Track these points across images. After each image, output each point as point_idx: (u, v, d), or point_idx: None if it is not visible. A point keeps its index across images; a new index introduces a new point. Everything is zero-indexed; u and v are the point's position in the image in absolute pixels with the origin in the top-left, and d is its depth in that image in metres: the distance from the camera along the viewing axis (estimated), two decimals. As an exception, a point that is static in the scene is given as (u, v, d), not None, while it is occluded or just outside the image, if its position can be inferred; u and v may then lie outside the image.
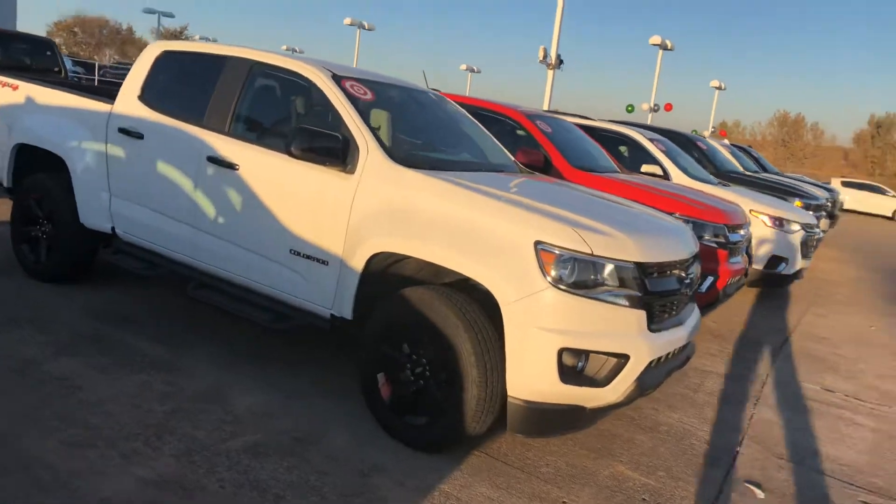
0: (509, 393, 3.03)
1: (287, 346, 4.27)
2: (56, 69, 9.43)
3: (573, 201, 3.65)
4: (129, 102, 4.44)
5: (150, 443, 3.03)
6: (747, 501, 3.27)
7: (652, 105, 32.74)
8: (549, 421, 3.09)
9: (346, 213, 3.46)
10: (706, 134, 32.44)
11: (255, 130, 4.08)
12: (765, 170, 15.03)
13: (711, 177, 8.98)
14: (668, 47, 30.39)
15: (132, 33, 71.57)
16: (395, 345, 3.34)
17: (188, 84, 4.40)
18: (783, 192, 10.25)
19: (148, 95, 4.42)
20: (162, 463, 2.89)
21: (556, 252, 2.95)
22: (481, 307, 3.11)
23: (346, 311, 3.49)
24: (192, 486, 2.75)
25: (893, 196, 33.98)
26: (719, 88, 39.61)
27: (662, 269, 3.25)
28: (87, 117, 4.60)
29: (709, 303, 5.63)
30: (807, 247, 8.03)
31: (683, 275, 3.43)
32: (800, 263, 7.89)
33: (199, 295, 4.05)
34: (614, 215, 3.48)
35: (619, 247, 3.05)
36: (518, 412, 3.03)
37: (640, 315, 3.09)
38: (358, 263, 3.39)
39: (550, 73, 19.63)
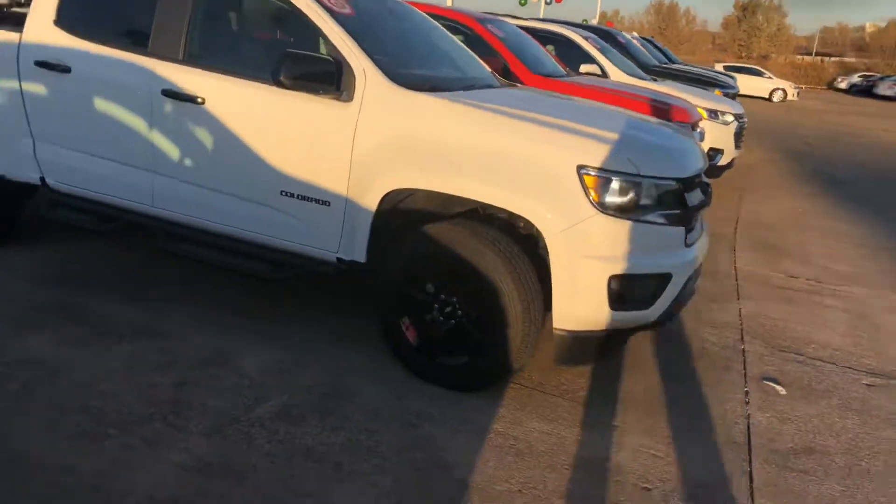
0: (555, 325, 2.90)
1: (277, 297, 3.91)
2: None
3: (592, 116, 3.43)
4: (42, 29, 3.72)
5: (170, 422, 2.71)
6: (771, 399, 3.38)
7: (545, -3, 32.25)
8: (593, 348, 3.00)
9: (347, 148, 3.09)
10: (594, 24, 32.53)
11: (219, 57, 3.54)
12: (671, 61, 15.29)
13: (641, 72, 8.96)
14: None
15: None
16: (418, 286, 3.11)
17: (118, 3, 3.73)
18: (703, 83, 10.44)
19: (66, 19, 3.72)
20: (193, 444, 2.59)
21: (601, 175, 2.77)
22: (520, 244, 2.92)
23: (359, 254, 3.19)
24: (240, 467, 2.49)
25: (769, 77, 35.82)
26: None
27: (693, 181, 3.14)
28: (-9, 49, 3.84)
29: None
30: (739, 137, 8.26)
31: (705, 184, 3.35)
32: (733, 153, 8.13)
33: (175, 248, 3.60)
34: (640, 130, 3.31)
35: (661, 164, 2.91)
36: (565, 343, 2.91)
37: (680, 232, 3.00)
38: (370, 202, 3.07)
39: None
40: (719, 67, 33.83)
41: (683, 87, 8.41)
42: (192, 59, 3.44)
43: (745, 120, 8.67)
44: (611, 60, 8.22)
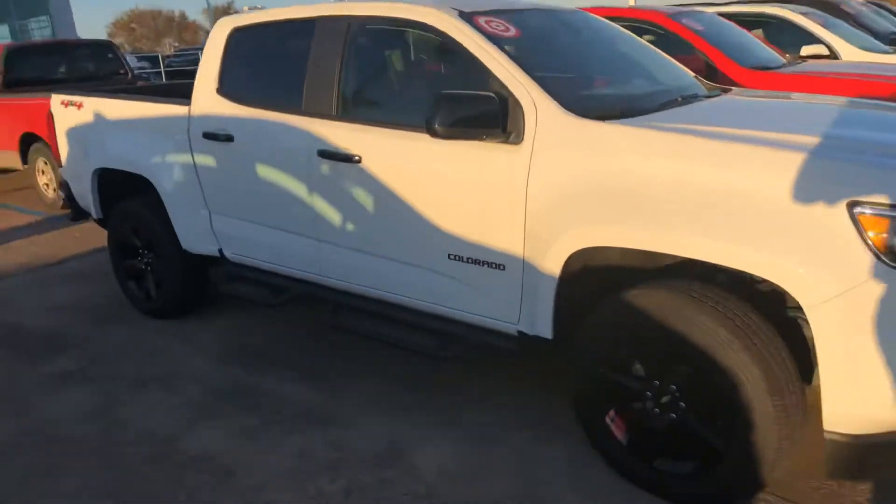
0: (826, 427, 2.06)
1: (462, 375, 3.39)
2: (122, 72, 8.82)
3: (845, 124, 2.54)
4: (207, 99, 3.61)
5: (333, 549, 2.29)
6: None
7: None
8: (888, 457, 2.10)
9: (520, 200, 2.51)
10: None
11: (373, 107, 3.17)
12: (911, 23, 12.82)
13: (882, 44, 7.39)
14: None
15: (185, 18, 72.29)
16: (622, 367, 2.43)
17: (273, 64, 3.51)
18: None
19: (228, 87, 3.57)
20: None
21: (885, 213, 1.91)
22: (759, 311, 2.13)
23: (543, 328, 2.59)
24: None
25: None
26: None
27: None
28: (165, 125, 3.82)
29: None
30: None
31: None
32: None
33: (344, 324, 3.25)
34: None
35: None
36: (842, 452, 2.06)
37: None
38: (552, 264, 2.46)
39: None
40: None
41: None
42: (347, 113, 3.08)
43: None
44: (840, 36, 6.82)
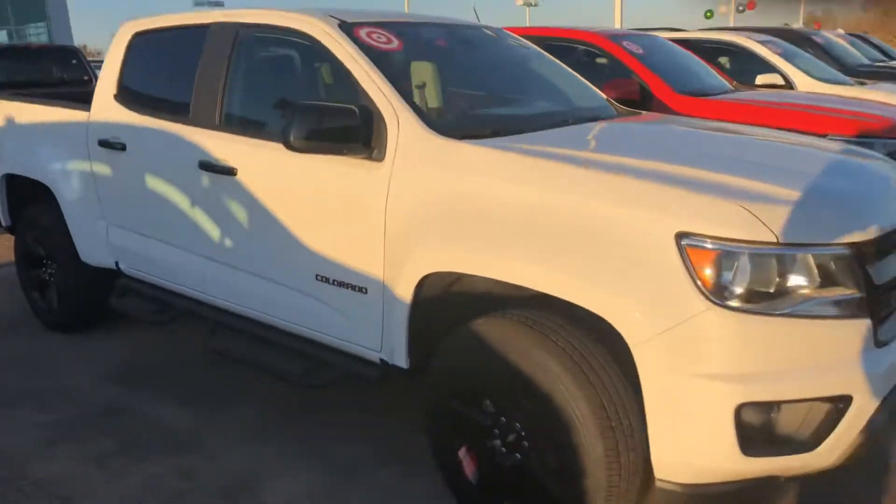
0: (657, 475, 1.93)
1: (344, 404, 3.21)
2: (85, 77, 8.76)
3: (720, 150, 2.43)
4: (105, 106, 3.51)
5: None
6: None
7: (736, 5, 29.68)
8: (726, 506, 1.97)
9: (380, 219, 2.39)
10: (797, 27, 29.05)
11: (252, 118, 3.06)
12: (890, 58, 12.81)
13: (843, 76, 7.33)
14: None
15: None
16: (472, 402, 2.29)
17: (168, 71, 3.41)
18: (933, 80, 8.37)
19: (124, 94, 3.47)
20: None
21: (716, 247, 1.79)
22: (603, 346, 2.00)
23: (399, 357, 2.46)
24: None
25: None
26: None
27: (888, 242, 2.01)
28: (65, 131, 3.72)
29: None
30: None
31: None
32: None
33: (218, 346, 3.12)
34: (794, 165, 2.24)
35: (819, 222, 1.85)
36: (672, 502, 1.92)
37: (863, 327, 1.88)
38: (405, 289, 2.33)
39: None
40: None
41: (902, 89, 6.66)
42: (229, 123, 2.97)
43: None
44: (798, 66, 6.75)
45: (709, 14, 30.74)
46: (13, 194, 4.28)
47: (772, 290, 1.79)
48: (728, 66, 7.65)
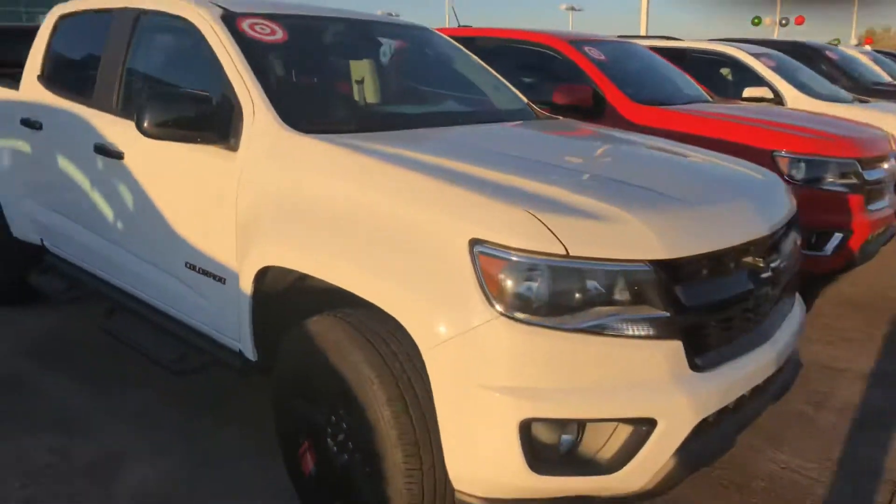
0: (455, 487, 1.86)
1: (239, 391, 3.16)
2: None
3: (579, 159, 2.34)
4: (29, 85, 3.56)
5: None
6: None
7: (779, 19, 28.99)
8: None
9: (232, 209, 2.36)
10: (852, 44, 28.13)
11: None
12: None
13: (844, 93, 7.05)
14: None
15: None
16: (311, 400, 2.24)
17: (82, 54, 3.45)
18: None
19: (46, 74, 3.52)
20: None
21: (508, 256, 1.71)
22: (412, 351, 1.93)
23: (248, 349, 2.43)
24: None
25: None
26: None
27: (717, 263, 1.90)
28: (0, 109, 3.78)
29: (837, 269, 4.07)
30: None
31: (761, 264, 2.04)
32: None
33: (111, 328, 3.12)
34: (641, 179, 2.11)
35: (620, 237, 1.75)
36: (474, 518, 1.84)
37: (672, 349, 1.78)
38: (246, 283, 2.30)
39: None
40: None
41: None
42: (124, 107, 2.98)
43: None
44: (791, 81, 6.53)
45: (756, 21, 30.13)
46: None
47: (563, 305, 1.70)
48: (731, 77, 7.46)
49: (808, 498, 2.51)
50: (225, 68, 2.50)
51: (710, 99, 5.43)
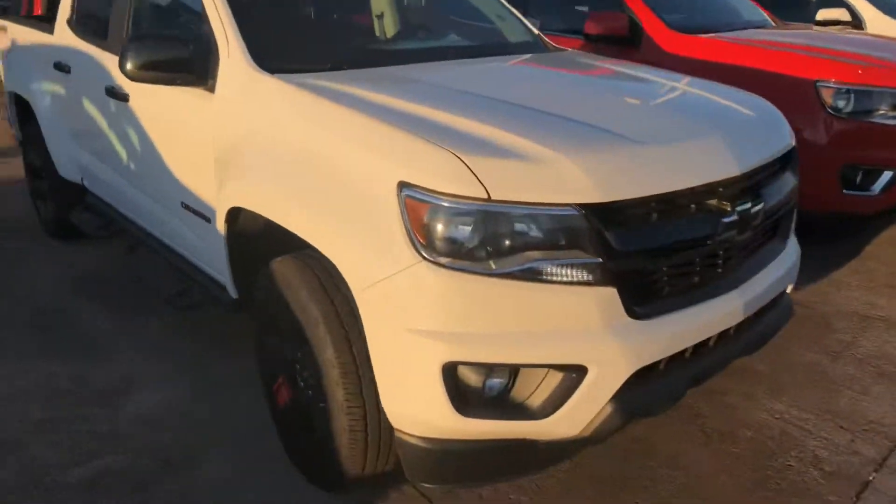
0: (394, 425, 1.90)
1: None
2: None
3: (536, 98, 2.22)
4: (61, 30, 3.71)
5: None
6: None
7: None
8: (473, 465, 1.90)
9: (210, 149, 2.42)
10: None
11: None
12: None
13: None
14: None
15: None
16: (280, 338, 2.32)
17: None
18: None
19: (76, 19, 3.65)
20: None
21: (431, 200, 1.68)
22: (348, 293, 1.95)
23: (230, 286, 2.53)
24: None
25: None
26: None
27: (666, 206, 1.80)
28: (38, 52, 3.97)
29: (887, 209, 3.77)
30: None
31: (728, 208, 1.91)
32: None
33: (127, 262, 3.32)
34: (593, 117, 1.98)
35: (546, 179, 1.68)
36: (413, 454, 1.88)
37: (605, 296, 1.73)
38: (221, 222, 2.38)
39: None
40: None
41: None
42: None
43: None
44: (874, 1, 5.92)
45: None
46: (21, 110, 4.66)
47: (488, 249, 1.67)
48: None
49: (793, 450, 2.42)
50: (206, 8, 2.52)
51: (772, 24, 5.01)
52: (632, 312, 1.76)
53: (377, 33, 2.99)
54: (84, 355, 3.10)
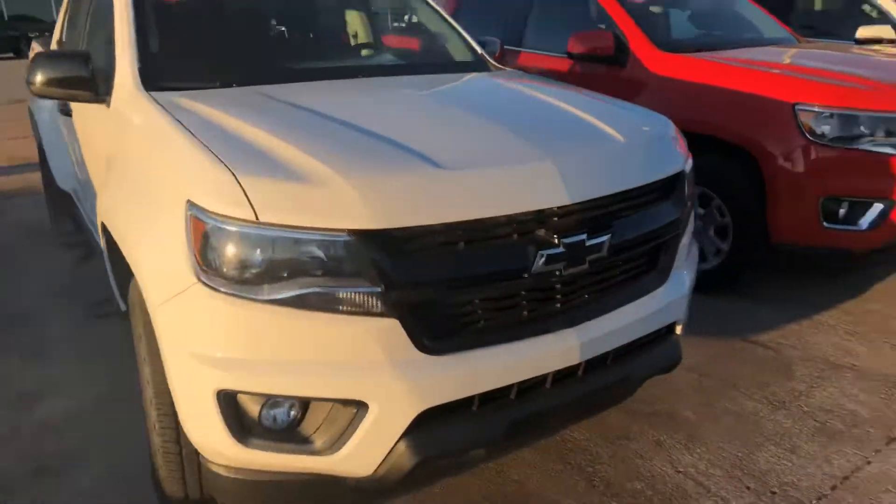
0: (198, 450, 1.85)
1: None
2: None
3: (382, 118, 2.12)
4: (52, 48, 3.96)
5: None
6: None
7: None
8: (276, 498, 1.82)
9: (104, 163, 2.48)
10: None
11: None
12: None
13: None
14: None
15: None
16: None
17: (76, 19, 3.72)
18: None
19: (62, 38, 3.87)
20: None
21: (207, 220, 1.63)
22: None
23: (119, 299, 2.56)
24: None
25: None
26: None
27: (461, 234, 1.67)
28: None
29: (877, 247, 3.39)
30: None
31: (554, 239, 1.75)
32: None
33: (74, 272, 3.44)
34: (412, 137, 1.85)
35: (320, 203, 1.59)
36: (214, 482, 1.82)
37: (386, 328, 1.61)
38: (100, 234, 2.43)
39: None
40: None
41: None
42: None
43: None
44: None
45: None
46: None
47: (258, 274, 1.59)
48: (874, 15, 6.38)
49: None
50: (116, 24, 2.59)
51: (795, 41, 4.66)
52: (423, 347, 1.64)
53: (291, 51, 2.98)
54: (23, 357, 3.23)
